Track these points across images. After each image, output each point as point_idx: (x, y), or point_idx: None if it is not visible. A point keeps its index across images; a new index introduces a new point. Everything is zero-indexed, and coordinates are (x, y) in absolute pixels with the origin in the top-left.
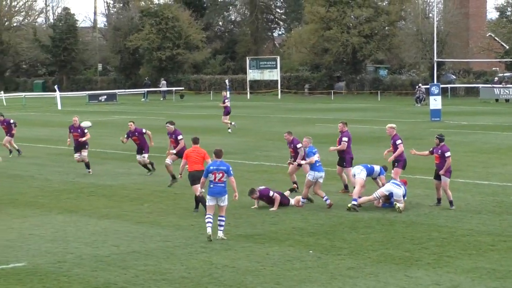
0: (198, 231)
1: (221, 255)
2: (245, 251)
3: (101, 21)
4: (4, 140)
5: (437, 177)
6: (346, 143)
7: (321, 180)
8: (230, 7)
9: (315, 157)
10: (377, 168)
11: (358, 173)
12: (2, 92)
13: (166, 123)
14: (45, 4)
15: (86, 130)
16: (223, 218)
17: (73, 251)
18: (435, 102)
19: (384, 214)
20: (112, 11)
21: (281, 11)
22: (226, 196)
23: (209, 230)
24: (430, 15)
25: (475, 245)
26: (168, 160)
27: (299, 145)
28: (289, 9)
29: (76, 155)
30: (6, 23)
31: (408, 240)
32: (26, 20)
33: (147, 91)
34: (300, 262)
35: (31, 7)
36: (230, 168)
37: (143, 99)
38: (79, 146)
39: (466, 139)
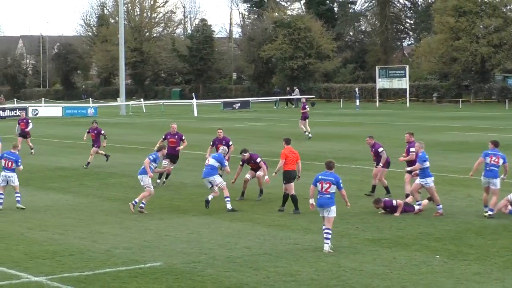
0: None
1: (349, 258)
2: (372, 255)
3: (236, 32)
4: (92, 150)
5: None
6: (415, 154)
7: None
8: (361, 18)
9: (427, 164)
10: None
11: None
12: (142, 99)
13: (241, 152)
14: (184, 15)
15: (183, 138)
16: (329, 231)
17: (207, 252)
18: None
19: (511, 220)
20: (247, 22)
21: (411, 21)
22: (333, 207)
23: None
24: None
25: None
26: (248, 176)
27: (380, 149)
28: (419, 19)
29: (165, 162)
30: (147, 34)
31: None
32: (165, 31)
33: (279, 99)
34: (426, 267)
35: (170, 19)
36: (340, 181)
37: (275, 107)
38: (173, 155)
39: None
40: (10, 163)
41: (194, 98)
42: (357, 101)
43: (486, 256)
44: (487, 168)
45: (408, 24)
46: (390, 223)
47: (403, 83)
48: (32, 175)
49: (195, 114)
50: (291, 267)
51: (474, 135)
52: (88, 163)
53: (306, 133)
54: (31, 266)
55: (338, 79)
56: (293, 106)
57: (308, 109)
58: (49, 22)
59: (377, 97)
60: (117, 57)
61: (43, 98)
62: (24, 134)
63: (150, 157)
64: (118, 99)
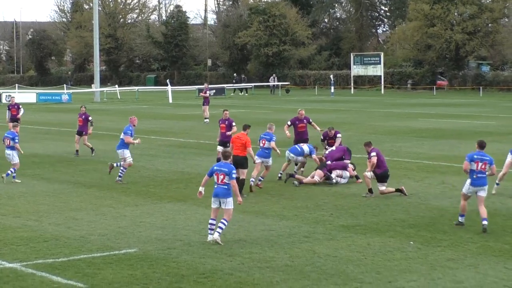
0: (301, 221)
1: (323, 244)
2: (347, 241)
3: (211, 18)
4: (76, 137)
5: None
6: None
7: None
8: (336, 5)
9: None
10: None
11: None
12: (116, 86)
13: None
14: (158, 2)
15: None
16: (224, 223)
17: (182, 238)
18: None
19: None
20: (222, 9)
21: (386, 9)
22: (230, 199)
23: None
24: None
25: None
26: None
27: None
28: (394, 7)
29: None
30: (121, 20)
31: (508, 233)
32: (140, 18)
33: (243, 86)
34: (400, 253)
35: (144, 5)
36: (233, 171)
37: (241, 93)
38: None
39: None
40: (8, 141)
41: (169, 84)
42: (332, 88)
43: (460, 242)
44: (474, 176)
45: (383, 11)
46: (365, 209)
47: (378, 70)
48: (5, 161)
49: (170, 101)
50: (266, 253)
51: (449, 122)
52: (77, 151)
53: (205, 120)
54: (5, 252)
55: (313, 66)
56: (244, 93)
57: (207, 94)
58: (23, 7)
59: (352, 84)
60: (92, 43)
61: (17, 84)
62: (15, 120)
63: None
64: (92, 85)
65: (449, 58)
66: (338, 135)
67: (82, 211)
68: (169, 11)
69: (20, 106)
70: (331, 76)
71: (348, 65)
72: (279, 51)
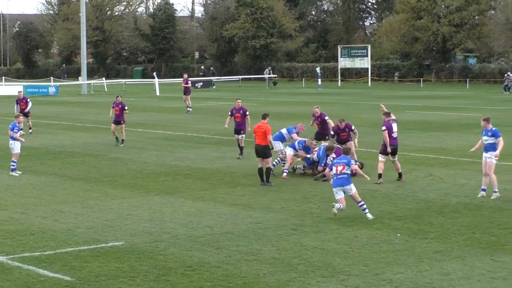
0: (288, 213)
1: (310, 237)
2: (334, 233)
3: (199, 11)
4: (112, 126)
5: None
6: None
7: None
8: None
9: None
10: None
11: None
12: (104, 78)
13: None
14: None
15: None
16: (361, 203)
17: (169, 231)
18: None
19: (471, 199)
20: (209, 1)
21: (373, 1)
22: (351, 185)
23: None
24: None
25: None
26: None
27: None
28: None
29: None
30: (108, 13)
31: (495, 225)
32: (127, 10)
33: (202, 80)
34: (387, 245)
35: None
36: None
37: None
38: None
39: None
40: (10, 132)
41: (156, 77)
42: (319, 80)
43: (447, 234)
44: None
45: (370, 4)
46: (352, 202)
47: (365, 63)
48: (7, 153)
49: (157, 93)
50: (253, 246)
51: (436, 114)
52: (117, 138)
53: (188, 108)
54: None
55: (300, 59)
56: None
57: (189, 84)
58: (10, 0)
59: (339, 77)
60: (79, 35)
61: (3, 77)
62: (24, 114)
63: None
64: (79, 78)
65: (436, 51)
66: (353, 127)
67: (69, 204)
68: (156, 3)
69: (28, 100)
70: (318, 68)
71: (335, 58)
72: (267, 43)
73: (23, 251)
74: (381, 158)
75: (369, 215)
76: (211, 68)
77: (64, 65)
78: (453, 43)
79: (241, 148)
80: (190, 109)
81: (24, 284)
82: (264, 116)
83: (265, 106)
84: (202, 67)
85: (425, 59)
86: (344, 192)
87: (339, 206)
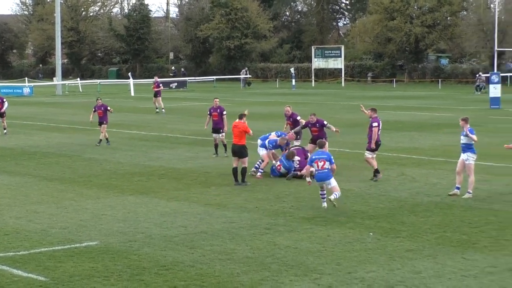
0: (262, 213)
1: (284, 236)
2: (307, 232)
3: (173, 12)
4: (102, 127)
5: None
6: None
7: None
8: None
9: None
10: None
11: None
12: (78, 79)
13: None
14: None
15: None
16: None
17: (143, 231)
18: (495, 90)
19: (443, 198)
20: (184, 2)
21: (346, 2)
22: (331, 179)
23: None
24: (492, 5)
25: None
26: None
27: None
28: (354, 0)
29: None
30: (83, 13)
31: (465, 224)
32: (102, 11)
33: (176, 80)
34: (360, 244)
35: None
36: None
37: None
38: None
39: None
40: None
41: (131, 77)
42: (293, 80)
43: (418, 233)
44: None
45: (343, 5)
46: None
47: (339, 63)
48: None
49: (132, 94)
50: (227, 246)
51: (408, 114)
52: (100, 140)
53: (158, 110)
54: None
55: (274, 59)
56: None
57: (161, 87)
58: None
59: (313, 77)
60: (54, 36)
61: None
62: (0, 114)
63: None
64: (54, 78)
65: (408, 51)
66: (325, 122)
67: (44, 204)
68: (131, 4)
69: (5, 100)
70: (292, 69)
71: (309, 58)
72: (241, 44)
73: None
74: (371, 154)
75: (332, 197)
76: (182, 69)
77: (41, 65)
78: (425, 43)
79: (224, 146)
80: (164, 110)
81: None
82: (241, 116)
83: (239, 106)
84: (173, 67)
85: (398, 59)
86: (324, 185)
87: (335, 196)
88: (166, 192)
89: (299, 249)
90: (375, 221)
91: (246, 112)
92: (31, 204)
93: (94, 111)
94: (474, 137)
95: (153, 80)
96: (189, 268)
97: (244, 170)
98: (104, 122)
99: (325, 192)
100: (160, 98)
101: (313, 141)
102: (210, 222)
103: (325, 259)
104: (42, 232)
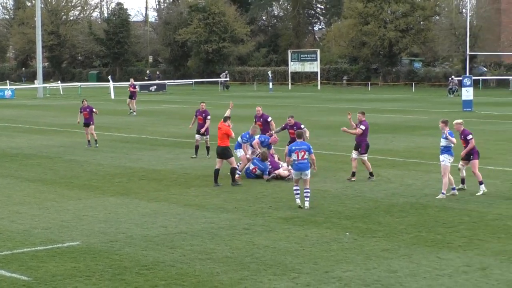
0: (241, 213)
1: (262, 236)
2: (285, 232)
3: (152, 16)
4: (89, 128)
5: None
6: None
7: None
8: (273, 3)
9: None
10: None
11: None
12: (59, 82)
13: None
14: None
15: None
16: (308, 190)
17: (124, 231)
18: (467, 93)
19: (417, 199)
20: (163, 6)
21: (322, 7)
22: (309, 170)
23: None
24: (464, 10)
25: (504, 229)
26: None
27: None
28: (329, 5)
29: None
30: (63, 17)
31: (440, 224)
32: (82, 15)
33: (155, 83)
34: (337, 244)
35: (86, 2)
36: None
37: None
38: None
39: (496, 129)
40: None
41: (111, 80)
42: (270, 83)
43: (394, 233)
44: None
45: (319, 9)
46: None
47: (315, 67)
48: None
49: (112, 97)
50: (207, 245)
51: (383, 117)
52: (89, 142)
53: (131, 111)
54: None
55: (252, 63)
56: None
57: (137, 89)
58: None
59: (290, 80)
60: (34, 40)
61: None
62: None
63: None
64: (35, 81)
65: (382, 55)
66: (302, 126)
67: (26, 205)
68: (110, 8)
69: None
70: (269, 72)
71: (285, 62)
72: (219, 47)
73: None
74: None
75: (307, 204)
76: (157, 73)
77: (23, 68)
78: (399, 47)
79: (207, 148)
80: (135, 113)
81: None
82: (225, 119)
83: (218, 108)
84: (148, 71)
85: (372, 63)
86: (300, 176)
87: (308, 200)
88: (146, 193)
89: (277, 249)
90: (352, 221)
91: (230, 106)
92: (14, 205)
93: (80, 112)
94: (453, 139)
95: (129, 83)
96: (170, 268)
97: (232, 170)
98: (91, 123)
99: (299, 188)
100: (135, 101)
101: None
102: (190, 222)
103: (303, 258)
104: (25, 233)
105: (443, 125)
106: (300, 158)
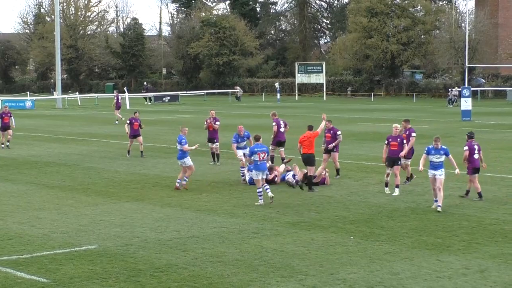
0: (250, 218)
1: (270, 240)
2: (292, 236)
3: (166, 30)
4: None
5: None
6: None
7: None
8: (281, 18)
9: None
10: None
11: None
12: (77, 93)
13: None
14: (116, 14)
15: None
16: (267, 185)
17: (139, 235)
18: (466, 104)
19: (418, 204)
20: (176, 21)
21: (327, 21)
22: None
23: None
24: (463, 24)
25: (501, 233)
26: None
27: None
28: (335, 19)
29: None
30: (81, 32)
31: (440, 228)
32: (99, 29)
33: (153, 95)
34: (342, 247)
35: (103, 17)
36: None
37: (146, 102)
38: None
39: (494, 137)
40: None
41: (126, 92)
42: (278, 94)
43: (396, 237)
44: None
45: (324, 24)
46: (309, 207)
47: (320, 78)
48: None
49: (128, 107)
50: (217, 249)
51: (386, 126)
52: (129, 152)
53: (117, 121)
54: None
55: (260, 74)
56: (147, 102)
57: (120, 101)
58: None
59: (296, 91)
60: (54, 53)
61: None
62: (8, 127)
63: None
64: (54, 92)
65: (385, 67)
66: (339, 132)
67: (45, 211)
68: (126, 23)
69: (11, 115)
70: (277, 84)
71: (293, 74)
72: (229, 60)
73: (1, 255)
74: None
75: (270, 193)
76: (149, 85)
77: (52, 80)
78: (401, 60)
79: (217, 156)
80: (117, 122)
81: (2, 286)
82: (310, 128)
83: (228, 118)
84: (145, 83)
85: (375, 75)
86: (261, 175)
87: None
88: (160, 199)
89: (285, 252)
90: (356, 226)
91: (323, 117)
92: (34, 210)
93: (130, 123)
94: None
95: (114, 94)
96: (182, 270)
97: (309, 178)
98: (139, 135)
99: (261, 189)
100: (118, 111)
101: (326, 150)
102: (202, 226)
103: (310, 261)
104: (44, 237)
105: (440, 141)
106: (261, 159)
